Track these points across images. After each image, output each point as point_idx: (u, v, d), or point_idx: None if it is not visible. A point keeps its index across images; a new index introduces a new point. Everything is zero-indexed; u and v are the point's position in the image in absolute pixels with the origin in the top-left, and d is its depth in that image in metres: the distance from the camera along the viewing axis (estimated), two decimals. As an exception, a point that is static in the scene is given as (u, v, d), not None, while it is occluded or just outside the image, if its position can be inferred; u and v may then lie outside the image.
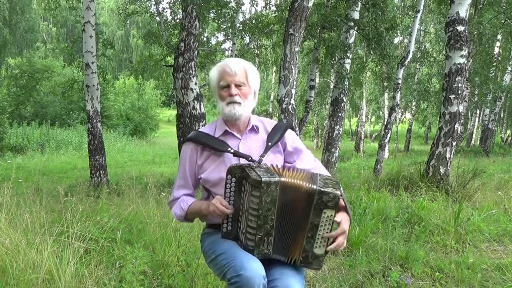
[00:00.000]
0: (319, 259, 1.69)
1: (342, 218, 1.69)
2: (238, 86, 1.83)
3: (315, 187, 1.63)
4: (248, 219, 1.66)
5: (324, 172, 1.90)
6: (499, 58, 16.68)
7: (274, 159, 1.88)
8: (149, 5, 10.33)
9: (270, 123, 1.97)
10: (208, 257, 1.84)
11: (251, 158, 1.81)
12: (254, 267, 1.58)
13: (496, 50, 16.53)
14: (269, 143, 1.87)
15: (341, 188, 1.73)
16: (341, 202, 1.69)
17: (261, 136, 1.92)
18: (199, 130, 1.97)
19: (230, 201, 1.73)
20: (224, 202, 1.73)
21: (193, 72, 7.07)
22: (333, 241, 1.68)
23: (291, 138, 1.95)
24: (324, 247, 1.68)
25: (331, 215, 1.64)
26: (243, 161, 1.82)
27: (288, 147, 1.93)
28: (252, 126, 1.91)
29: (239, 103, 1.82)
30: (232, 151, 1.83)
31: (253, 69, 1.89)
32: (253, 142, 1.90)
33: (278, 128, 1.94)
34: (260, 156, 1.83)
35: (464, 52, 5.84)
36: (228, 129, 1.89)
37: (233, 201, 1.73)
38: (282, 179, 1.64)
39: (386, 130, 9.04)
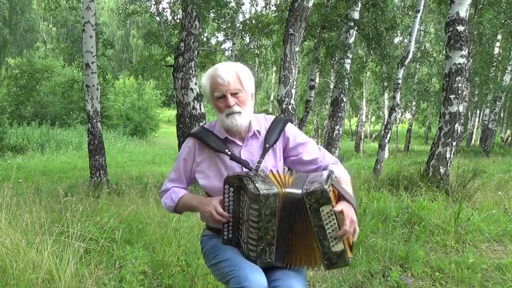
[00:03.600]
0: (342, 255, 1.65)
1: (342, 207, 1.62)
2: (234, 94, 1.73)
3: (299, 191, 1.59)
4: (249, 231, 1.64)
5: (331, 158, 1.87)
6: (499, 58, 16.68)
7: (273, 161, 1.84)
8: (149, 5, 10.35)
9: (269, 119, 1.91)
10: (209, 261, 1.82)
11: (249, 164, 1.77)
12: (257, 279, 1.57)
13: (496, 50, 16.53)
14: (267, 145, 1.82)
15: (335, 176, 1.70)
16: (337, 192, 1.66)
17: (262, 137, 1.87)
18: (203, 126, 1.92)
19: (230, 210, 1.71)
20: (220, 210, 1.70)
21: (193, 72, 7.07)
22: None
23: (292, 133, 1.89)
24: (341, 242, 1.64)
25: (330, 210, 1.60)
26: (240, 168, 1.79)
27: (291, 141, 1.87)
28: (253, 132, 1.84)
29: (239, 112, 1.74)
30: (228, 153, 1.78)
31: (246, 71, 1.79)
32: (254, 147, 1.85)
33: (275, 124, 1.87)
34: (258, 162, 1.78)
35: (464, 52, 5.84)
36: (229, 137, 1.83)
37: (232, 210, 1.71)
38: (282, 190, 1.61)
39: (386, 130, 9.05)
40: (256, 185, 1.61)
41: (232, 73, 1.74)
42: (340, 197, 1.67)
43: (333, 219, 1.62)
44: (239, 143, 1.83)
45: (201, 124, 7.06)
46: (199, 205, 1.78)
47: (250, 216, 1.61)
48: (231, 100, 1.73)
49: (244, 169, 1.77)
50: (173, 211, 1.91)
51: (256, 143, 1.85)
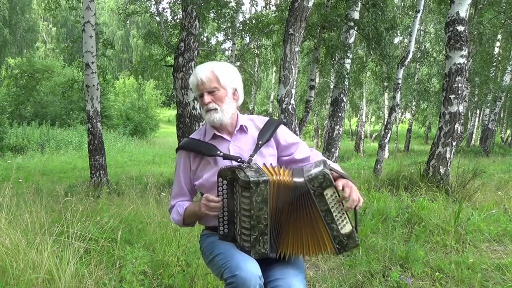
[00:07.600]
0: (351, 235, 1.67)
1: (342, 183, 1.68)
2: (211, 92, 1.82)
3: (302, 180, 1.64)
4: (242, 220, 1.67)
5: (321, 157, 1.90)
6: (499, 58, 16.69)
7: (267, 158, 1.86)
8: (149, 5, 10.34)
9: (261, 120, 1.96)
10: (207, 258, 1.85)
11: (241, 159, 1.81)
12: (249, 268, 1.58)
13: (496, 50, 16.53)
14: (260, 142, 1.86)
15: (329, 164, 1.74)
16: (334, 174, 1.72)
17: (251, 135, 1.91)
18: (190, 137, 1.98)
19: (224, 204, 1.74)
20: (211, 197, 1.73)
21: (193, 72, 7.06)
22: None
23: (283, 133, 1.94)
24: (348, 223, 1.67)
25: (334, 192, 1.64)
26: (234, 163, 1.82)
27: (282, 142, 1.93)
28: (241, 126, 1.91)
29: (215, 109, 1.82)
30: (221, 154, 1.83)
31: (225, 68, 1.86)
32: (243, 143, 1.89)
33: (269, 125, 1.93)
34: (250, 156, 1.82)
35: (464, 52, 5.84)
36: (216, 133, 1.89)
37: (227, 203, 1.73)
38: (273, 177, 1.65)
39: (386, 130, 9.04)
40: (247, 173, 1.65)
41: (207, 73, 1.82)
42: (336, 177, 1.73)
43: (338, 201, 1.65)
44: (227, 138, 1.90)
45: (201, 124, 7.07)
46: (199, 208, 1.81)
47: (242, 205, 1.65)
48: (206, 98, 1.82)
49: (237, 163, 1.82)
50: (183, 224, 1.95)
51: (244, 138, 1.90)
